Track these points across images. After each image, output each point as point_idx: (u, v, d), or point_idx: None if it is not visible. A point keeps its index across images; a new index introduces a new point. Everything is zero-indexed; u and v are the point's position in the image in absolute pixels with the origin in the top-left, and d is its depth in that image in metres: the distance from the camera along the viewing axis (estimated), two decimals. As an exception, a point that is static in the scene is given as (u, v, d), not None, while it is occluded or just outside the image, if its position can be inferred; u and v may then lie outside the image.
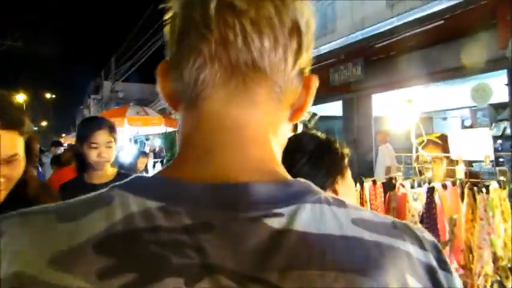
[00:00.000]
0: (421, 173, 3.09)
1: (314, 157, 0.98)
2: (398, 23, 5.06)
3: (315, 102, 0.46)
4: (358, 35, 5.77)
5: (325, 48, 6.35)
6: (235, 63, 0.37)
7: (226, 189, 0.35)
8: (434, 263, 0.38)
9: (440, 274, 0.37)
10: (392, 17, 5.28)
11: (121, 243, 0.32)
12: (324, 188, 0.59)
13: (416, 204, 2.57)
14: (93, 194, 0.37)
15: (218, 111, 0.39)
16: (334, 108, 7.10)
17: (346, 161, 1.03)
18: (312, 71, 0.44)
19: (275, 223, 0.34)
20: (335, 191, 0.99)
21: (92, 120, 1.96)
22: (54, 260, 0.31)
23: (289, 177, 0.40)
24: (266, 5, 0.37)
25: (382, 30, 5.36)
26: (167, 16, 0.41)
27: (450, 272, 0.38)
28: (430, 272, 0.37)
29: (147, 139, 12.60)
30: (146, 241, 0.32)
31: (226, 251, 0.33)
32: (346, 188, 1.02)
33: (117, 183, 0.37)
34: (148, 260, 0.31)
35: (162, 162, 9.78)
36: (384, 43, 5.43)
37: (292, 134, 0.91)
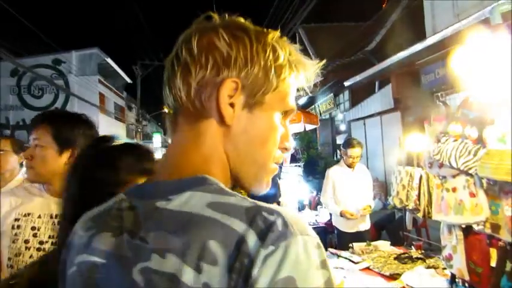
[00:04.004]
0: None
1: None
2: None
3: None
4: None
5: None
6: (167, 114, 0.65)
7: (147, 187, 0.62)
8: (249, 235, 0.47)
9: (248, 243, 0.47)
10: None
11: (98, 216, 0.65)
12: None
13: None
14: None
15: (170, 142, 0.67)
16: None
17: None
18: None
19: (161, 204, 0.56)
20: None
21: None
22: (80, 223, 0.66)
23: (196, 173, 0.57)
24: (168, 68, 0.63)
25: None
26: None
27: (263, 244, 0.46)
28: (240, 241, 0.47)
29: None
30: (107, 214, 0.63)
31: (133, 220, 0.58)
32: None
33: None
34: (102, 223, 0.62)
35: (300, 166, 8.70)
36: None
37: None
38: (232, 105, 0.58)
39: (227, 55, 0.57)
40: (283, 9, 11.08)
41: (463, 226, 2.17)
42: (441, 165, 2.25)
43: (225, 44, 0.57)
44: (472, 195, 2.04)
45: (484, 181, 1.99)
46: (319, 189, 6.11)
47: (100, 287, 0.56)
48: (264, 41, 0.60)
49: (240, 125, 0.59)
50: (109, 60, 20.84)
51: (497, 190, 1.91)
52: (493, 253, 1.99)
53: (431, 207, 3.52)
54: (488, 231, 1.96)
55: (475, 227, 2.08)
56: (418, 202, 3.67)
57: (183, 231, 0.50)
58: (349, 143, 4.17)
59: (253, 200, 0.53)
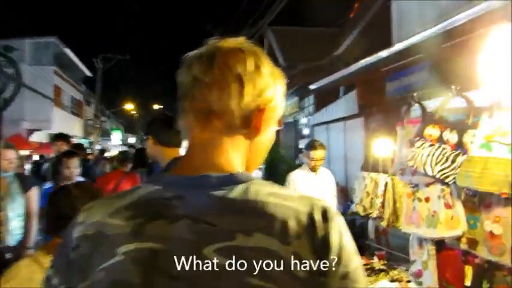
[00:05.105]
0: None
1: None
2: None
3: None
4: None
5: None
6: (199, 110, 0.72)
7: (193, 178, 0.69)
8: (315, 215, 0.65)
9: (317, 220, 0.65)
10: None
11: (138, 205, 0.68)
12: None
13: None
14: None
15: (196, 137, 0.74)
16: None
17: None
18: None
19: (219, 194, 0.66)
20: None
21: None
22: (109, 214, 0.67)
23: (236, 171, 0.71)
24: (215, 72, 0.70)
25: None
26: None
27: (327, 220, 0.66)
28: (312, 220, 0.65)
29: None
30: (151, 203, 0.67)
31: (189, 208, 0.65)
32: None
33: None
34: (149, 212, 0.66)
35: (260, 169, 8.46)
36: None
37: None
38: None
39: (268, 83, 0.73)
40: (252, 8, 10.86)
41: (436, 240, 1.98)
42: (414, 172, 2.05)
43: (268, 72, 0.74)
44: (448, 206, 1.84)
45: (462, 191, 1.80)
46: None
47: (165, 270, 0.61)
48: (280, 75, 0.77)
49: (260, 138, 0.76)
50: (67, 51, 19.78)
51: (476, 202, 1.72)
52: (468, 271, 1.80)
53: (396, 216, 3.37)
54: (464, 246, 1.77)
55: (449, 242, 1.88)
56: (382, 210, 3.51)
57: (261, 214, 0.64)
58: (311, 145, 3.89)
59: (297, 191, 0.79)
